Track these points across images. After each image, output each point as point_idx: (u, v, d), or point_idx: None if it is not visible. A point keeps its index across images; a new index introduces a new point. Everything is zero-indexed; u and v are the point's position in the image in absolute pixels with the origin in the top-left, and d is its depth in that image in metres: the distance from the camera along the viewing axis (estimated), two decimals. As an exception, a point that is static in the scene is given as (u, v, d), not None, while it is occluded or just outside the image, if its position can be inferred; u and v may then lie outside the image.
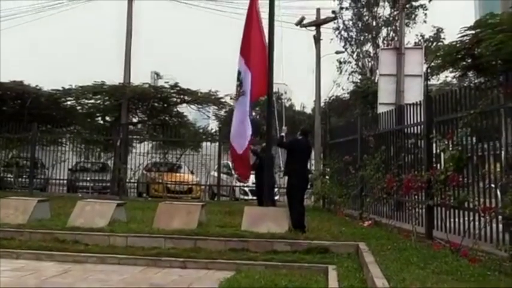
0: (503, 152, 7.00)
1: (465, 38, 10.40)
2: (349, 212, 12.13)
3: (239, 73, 9.69)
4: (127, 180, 18.59)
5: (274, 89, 10.30)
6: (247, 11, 9.90)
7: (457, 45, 10.71)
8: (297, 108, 44.55)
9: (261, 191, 11.05)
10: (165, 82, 23.40)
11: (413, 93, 13.28)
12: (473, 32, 10.16)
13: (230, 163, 15.97)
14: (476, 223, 7.04)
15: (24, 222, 8.96)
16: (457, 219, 7.70)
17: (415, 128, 9.35)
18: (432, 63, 14.22)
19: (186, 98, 22.63)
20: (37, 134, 18.42)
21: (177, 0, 24.96)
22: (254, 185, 13.26)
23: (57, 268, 6.98)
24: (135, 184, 19.69)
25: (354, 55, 32.28)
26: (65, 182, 19.37)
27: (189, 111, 24.42)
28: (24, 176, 18.34)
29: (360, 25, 31.66)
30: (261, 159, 11.10)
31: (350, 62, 32.43)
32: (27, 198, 10.77)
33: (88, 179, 18.97)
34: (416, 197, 8.77)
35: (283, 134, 9.86)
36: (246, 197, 18.21)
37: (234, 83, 9.90)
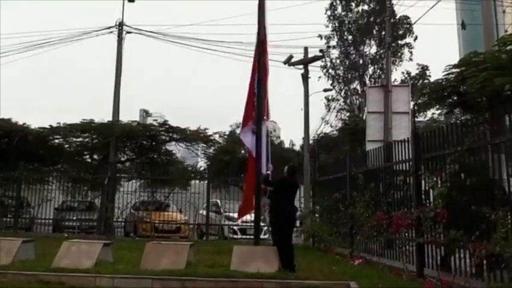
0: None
1: (450, 75, 10.56)
2: (339, 251, 12.01)
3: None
4: (114, 219, 18.34)
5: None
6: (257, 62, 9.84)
7: (443, 82, 10.86)
8: (286, 145, 44.68)
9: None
10: (154, 120, 23.42)
11: (401, 130, 13.41)
12: (458, 70, 10.32)
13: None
14: (468, 261, 6.99)
15: (7, 263, 8.72)
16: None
17: (404, 164, 9.37)
18: (419, 101, 14.38)
19: (174, 136, 22.65)
20: (23, 173, 18.22)
21: (168, 40, 25.20)
22: (243, 224, 12.92)
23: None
24: (123, 223, 19.42)
25: (342, 93, 32.75)
26: (51, 221, 19.06)
27: (177, 149, 24.35)
28: (9, 216, 18.02)
29: (347, 63, 32.22)
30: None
31: (338, 100, 32.89)
32: (12, 238, 10.53)
33: (74, 218, 18.68)
34: (406, 234, 8.72)
35: (269, 172, 9.69)
36: (235, 236, 17.98)
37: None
